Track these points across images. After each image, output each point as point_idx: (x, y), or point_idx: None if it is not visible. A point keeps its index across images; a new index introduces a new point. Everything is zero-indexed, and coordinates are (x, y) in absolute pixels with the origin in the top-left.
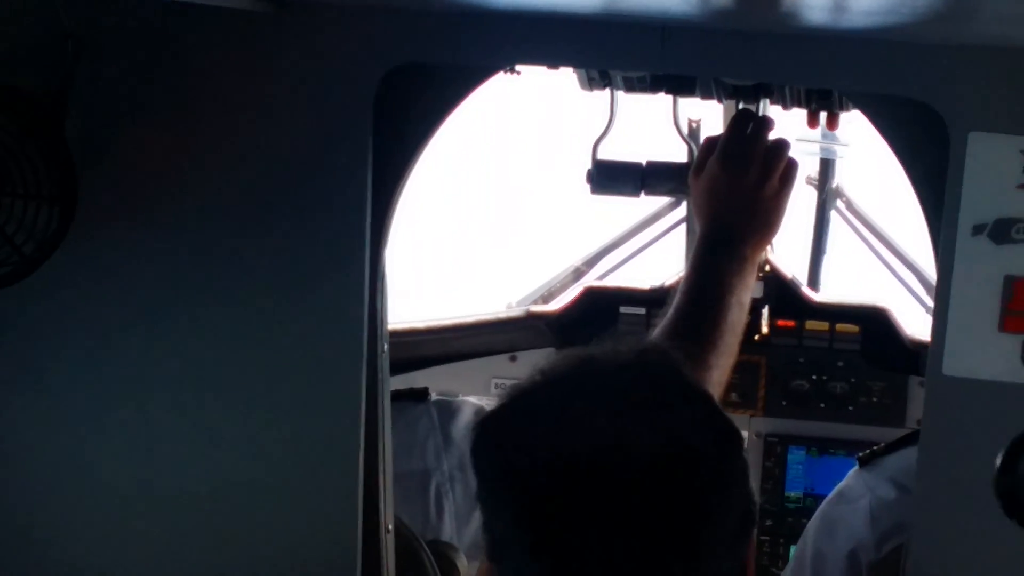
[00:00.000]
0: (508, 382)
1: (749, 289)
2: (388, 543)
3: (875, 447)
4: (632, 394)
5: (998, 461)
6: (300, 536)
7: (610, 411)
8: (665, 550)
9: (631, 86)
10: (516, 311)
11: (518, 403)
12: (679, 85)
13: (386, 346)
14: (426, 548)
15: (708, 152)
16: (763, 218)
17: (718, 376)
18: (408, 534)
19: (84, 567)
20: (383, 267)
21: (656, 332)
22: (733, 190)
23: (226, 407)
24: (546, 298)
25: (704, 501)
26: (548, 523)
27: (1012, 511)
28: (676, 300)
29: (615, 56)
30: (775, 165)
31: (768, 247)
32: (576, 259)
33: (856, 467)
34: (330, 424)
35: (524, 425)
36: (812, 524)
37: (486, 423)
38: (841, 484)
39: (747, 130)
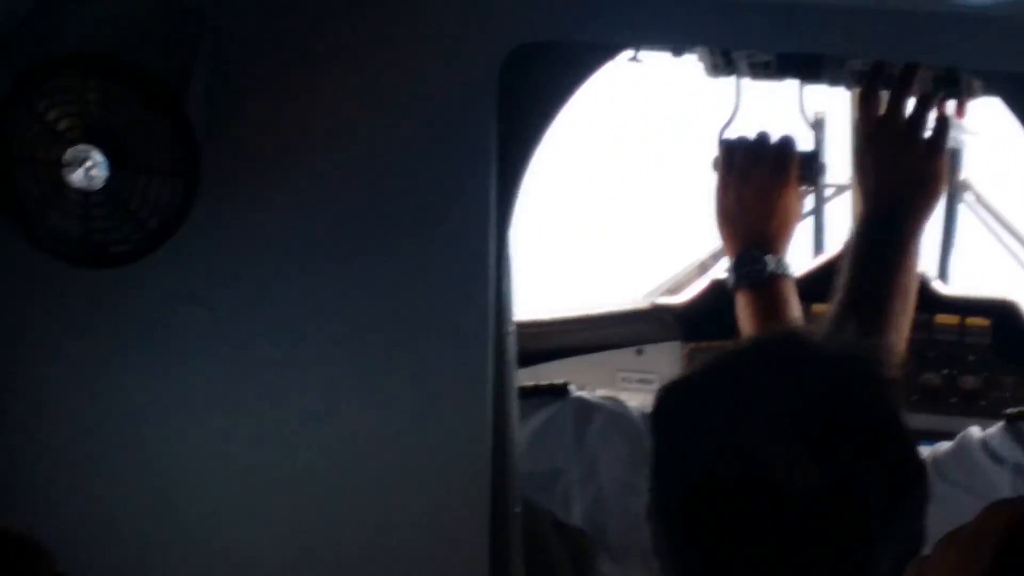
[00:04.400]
0: (635, 375)
1: (916, 255)
2: (516, 524)
3: None
4: (820, 411)
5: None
6: (428, 516)
7: (788, 430)
8: None
9: (756, 72)
10: (642, 303)
11: (701, 381)
12: (805, 69)
13: (513, 327)
14: (555, 530)
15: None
16: (927, 184)
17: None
18: (537, 515)
19: (213, 549)
20: (509, 249)
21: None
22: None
23: (352, 388)
24: (673, 291)
25: (860, 551)
26: (694, 528)
27: None
28: (842, 278)
29: (741, 35)
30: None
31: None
32: (702, 253)
33: (1004, 423)
34: (458, 404)
35: (696, 410)
36: None
37: (669, 392)
38: (987, 433)
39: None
